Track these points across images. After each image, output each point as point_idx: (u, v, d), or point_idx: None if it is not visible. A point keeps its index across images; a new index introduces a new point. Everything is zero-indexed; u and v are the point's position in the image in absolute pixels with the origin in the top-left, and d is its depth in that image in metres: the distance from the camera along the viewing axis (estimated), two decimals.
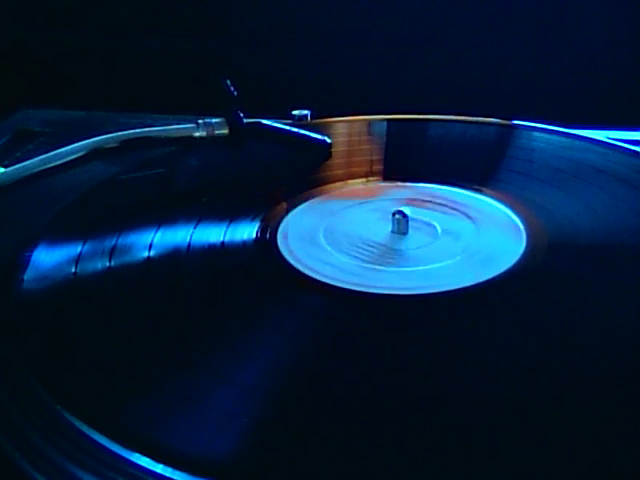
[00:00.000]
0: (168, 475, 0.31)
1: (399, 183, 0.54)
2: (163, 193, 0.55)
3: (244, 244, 0.46)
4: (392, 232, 0.48)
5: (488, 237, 0.47)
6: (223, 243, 0.46)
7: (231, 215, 0.49)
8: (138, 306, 0.41)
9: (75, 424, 0.33)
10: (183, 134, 0.61)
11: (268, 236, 0.47)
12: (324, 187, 0.54)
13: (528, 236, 0.46)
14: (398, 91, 0.85)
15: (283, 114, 0.66)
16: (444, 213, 0.50)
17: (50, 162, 0.57)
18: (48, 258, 0.45)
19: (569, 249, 0.45)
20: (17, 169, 0.56)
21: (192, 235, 0.47)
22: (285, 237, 0.47)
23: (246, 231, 0.47)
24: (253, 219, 0.49)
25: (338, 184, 0.54)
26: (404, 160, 0.59)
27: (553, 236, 0.46)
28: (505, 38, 0.85)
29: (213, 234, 0.47)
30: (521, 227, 0.48)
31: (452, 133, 0.63)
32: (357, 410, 0.34)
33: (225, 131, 0.61)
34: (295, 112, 0.67)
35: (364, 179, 0.55)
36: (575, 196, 0.51)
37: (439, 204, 0.51)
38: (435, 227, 0.48)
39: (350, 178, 0.55)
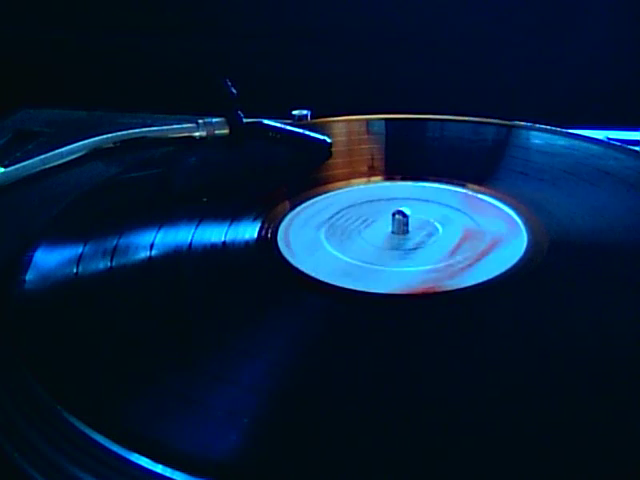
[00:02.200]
0: (168, 475, 0.31)
1: (399, 183, 0.54)
2: (164, 193, 0.55)
3: (245, 244, 0.46)
4: (392, 232, 0.48)
5: (488, 237, 0.47)
6: (224, 243, 0.46)
7: (232, 215, 0.49)
8: (139, 306, 0.41)
9: (75, 424, 0.33)
10: (183, 134, 0.61)
11: (269, 236, 0.47)
12: (325, 187, 0.54)
13: (529, 236, 0.46)
14: (398, 91, 0.85)
15: (283, 114, 0.66)
16: (444, 213, 0.50)
17: (50, 162, 0.57)
18: (49, 258, 0.45)
19: (570, 249, 0.45)
20: (17, 169, 0.56)
21: (193, 235, 0.47)
22: (286, 237, 0.47)
23: (247, 231, 0.47)
24: (254, 219, 0.49)
25: (339, 184, 0.55)
26: (404, 160, 0.59)
27: (554, 236, 0.46)
28: (505, 38, 0.85)
29: (214, 234, 0.47)
30: (522, 227, 0.48)
31: (452, 133, 0.63)
32: (357, 410, 0.34)
33: (225, 131, 0.61)
34: (295, 112, 0.67)
35: (364, 179, 0.55)
36: (575, 196, 0.51)
37: (439, 204, 0.51)
38: (435, 226, 0.48)
39: (350, 178, 0.55)
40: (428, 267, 0.44)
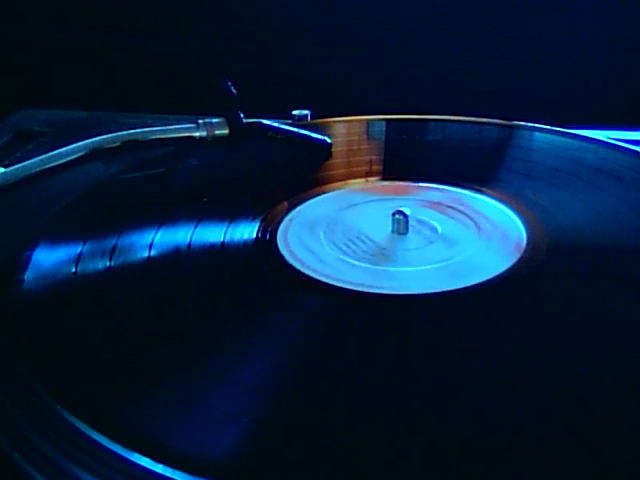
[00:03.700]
0: (168, 475, 0.31)
1: (399, 183, 0.54)
2: (163, 193, 0.55)
3: (244, 244, 0.46)
4: (392, 232, 0.48)
5: (488, 237, 0.47)
6: (223, 243, 0.46)
7: (231, 215, 0.49)
8: (138, 306, 0.41)
9: (75, 424, 0.33)
10: (183, 134, 0.61)
11: (268, 236, 0.47)
12: (324, 187, 0.54)
13: (528, 236, 0.46)
14: (398, 91, 0.85)
15: (283, 114, 0.66)
16: (444, 213, 0.50)
17: (50, 162, 0.57)
18: (48, 258, 0.45)
19: (569, 249, 0.45)
20: (17, 169, 0.56)
21: (192, 235, 0.47)
22: (285, 237, 0.47)
23: (246, 231, 0.47)
24: (253, 219, 0.49)
25: (338, 184, 0.55)
26: (404, 160, 0.59)
27: (553, 236, 0.46)
28: (505, 38, 0.85)
29: (213, 234, 0.47)
30: (521, 227, 0.48)
31: (452, 133, 0.63)
32: (357, 410, 0.34)
33: (225, 131, 0.61)
34: (295, 112, 0.67)
35: (364, 179, 0.55)
36: (575, 196, 0.51)
37: (438, 204, 0.51)
38: (435, 227, 0.48)
39: (350, 178, 0.55)
40: (428, 267, 0.44)
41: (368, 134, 0.64)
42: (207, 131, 0.61)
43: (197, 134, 0.61)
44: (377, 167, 0.57)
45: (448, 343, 0.38)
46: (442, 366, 0.36)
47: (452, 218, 0.49)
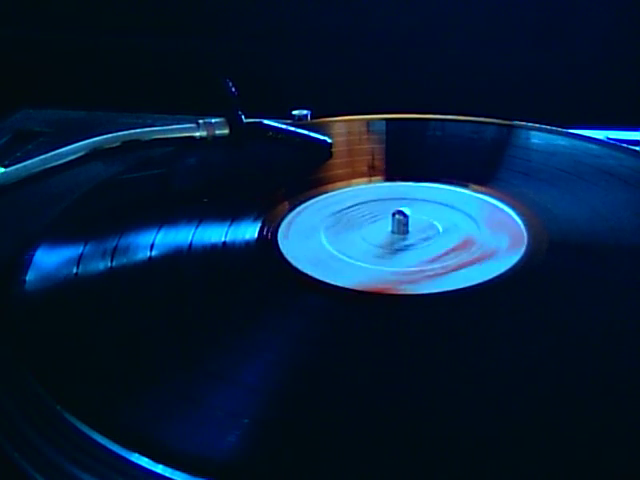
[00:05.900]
0: (168, 475, 0.31)
1: (400, 183, 0.54)
2: (164, 193, 0.55)
3: (245, 244, 0.46)
4: (392, 232, 0.48)
5: (488, 237, 0.47)
6: (224, 243, 0.46)
7: (232, 215, 0.49)
8: (139, 306, 0.41)
9: (75, 424, 0.33)
10: (183, 134, 0.61)
11: (269, 236, 0.47)
12: (325, 187, 0.54)
13: (529, 236, 0.46)
14: (398, 91, 0.85)
15: (283, 114, 0.66)
16: (444, 213, 0.50)
17: (50, 162, 0.57)
18: (49, 258, 0.45)
19: (570, 249, 0.45)
20: (17, 169, 0.56)
21: (193, 235, 0.47)
22: (286, 237, 0.47)
23: (247, 231, 0.47)
24: (254, 219, 0.49)
25: (339, 184, 0.55)
26: (404, 160, 0.59)
27: (554, 236, 0.46)
28: (505, 38, 0.85)
29: (214, 234, 0.47)
30: (522, 227, 0.48)
31: (452, 133, 0.63)
32: (357, 410, 0.34)
33: (226, 131, 0.61)
34: (295, 112, 0.67)
35: (364, 179, 0.55)
36: (575, 196, 0.51)
37: (439, 204, 0.51)
38: (436, 227, 0.48)
39: (350, 178, 0.55)
40: (400, 269, 0.44)
41: (368, 134, 0.64)
42: (207, 131, 0.61)
43: (197, 134, 0.61)
44: (377, 167, 0.57)
45: (448, 343, 0.38)
46: (442, 366, 0.36)
47: (452, 218, 0.49)
